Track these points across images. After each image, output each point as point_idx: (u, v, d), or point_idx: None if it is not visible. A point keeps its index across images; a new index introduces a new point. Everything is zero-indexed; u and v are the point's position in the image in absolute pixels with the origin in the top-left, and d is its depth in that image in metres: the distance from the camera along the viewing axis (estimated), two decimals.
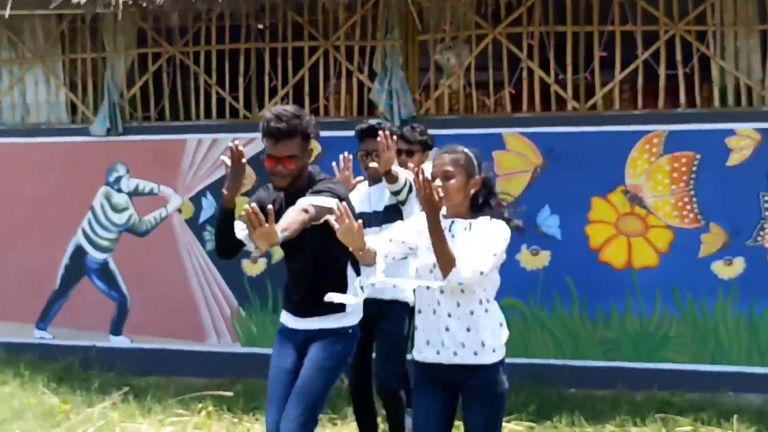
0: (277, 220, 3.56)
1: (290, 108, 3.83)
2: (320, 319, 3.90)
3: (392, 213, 4.80)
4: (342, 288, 3.86)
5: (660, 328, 6.34)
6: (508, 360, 3.61)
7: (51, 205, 7.51)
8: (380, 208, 4.84)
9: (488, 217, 3.58)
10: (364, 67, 7.00)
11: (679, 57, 6.41)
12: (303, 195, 3.78)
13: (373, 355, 4.90)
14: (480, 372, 3.51)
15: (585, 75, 6.59)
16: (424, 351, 3.61)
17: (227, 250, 3.94)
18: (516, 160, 6.54)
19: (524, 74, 6.66)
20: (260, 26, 7.23)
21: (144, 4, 6.79)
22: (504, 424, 4.01)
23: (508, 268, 3.87)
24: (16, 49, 7.73)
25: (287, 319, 4.02)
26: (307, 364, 3.87)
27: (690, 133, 6.31)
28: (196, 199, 7.20)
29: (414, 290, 3.74)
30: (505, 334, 3.59)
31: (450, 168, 3.57)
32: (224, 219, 3.82)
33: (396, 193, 4.70)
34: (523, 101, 6.68)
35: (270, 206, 3.40)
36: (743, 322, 6.20)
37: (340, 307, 3.84)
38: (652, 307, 6.33)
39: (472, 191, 3.60)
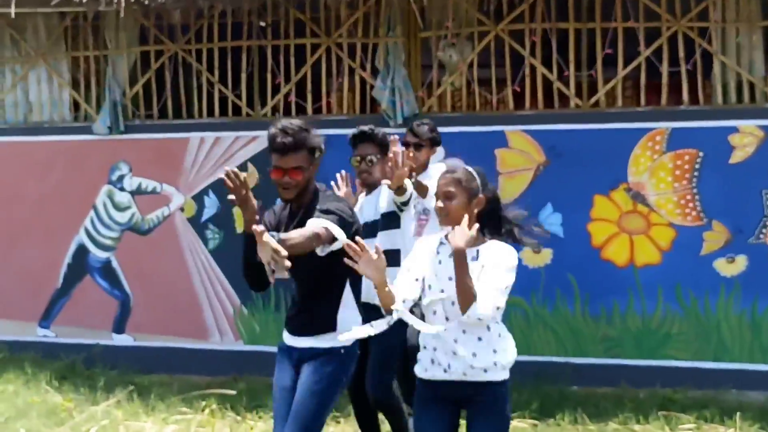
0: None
1: (296, 121, 3.80)
2: (312, 338, 3.86)
3: (390, 220, 4.82)
4: (334, 308, 3.84)
5: (662, 325, 6.33)
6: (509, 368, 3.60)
7: (53, 204, 7.52)
8: (376, 216, 4.86)
9: (495, 242, 3.56)
10: (367, 65, 7.00)
11: (681, 54, 6.41)
12: (309, 212, 3.77)
13: None
14: (487, 389, 3.50)
15: (590, 72, 6.58)
16: (430, 369, 3.59)
17: (258, 281, 3.84)
18: (519, 158, 6.54)
19: (527, 71, 6.66)
20: (262, 23, 7.24)
21: (146, 2, 6.79)
22: None
23: None
24: (18, 48, 7.74)
25: (285, 335, 4.02)
26: (299, 388, 3.84)
27: (693, 130, 6.31)
28: (198, 198, 7.20)
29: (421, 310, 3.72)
30: (513, 354, 3.57)
31: (451, 188, 3.55)
32: (247, 246, 3.69)
33: (404, 204, 4.74)
34: (525, 98, 6.68)
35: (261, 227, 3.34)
36: (746, 320, 6.19)
37: (332, 327, 3.82)
38: (655, 305, 6.33)
39: (476, 210, 3.57)
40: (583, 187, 6.42)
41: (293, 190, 3.80)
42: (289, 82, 7.11)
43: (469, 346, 3.48)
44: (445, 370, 3.52)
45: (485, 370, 3.48)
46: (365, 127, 4.92)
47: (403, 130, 6.04)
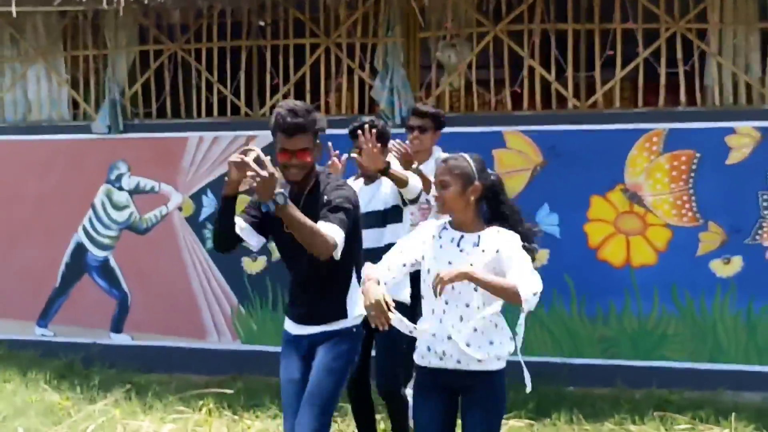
0: (275, 225, 3.74)
1: (300, 103, 3.84)
2: (322, 325, 3.92)
3: (396, 214, 4.89)
4: (344, 295, 3.90)
5: (658, 326, 6.35)
6: (507, 358, 3.62)
7: (52, 203, 7.53)
8: (379, 207, 4.89)
9: (496, 229, 3.58)
10: (366, 65, 7.01)
11: (680, 55, 6.42)
12: (311, 197, 3.83)
13: (373, 352, 4.92)
14: (482, 378, 3.53)
15: (591, 73, 6.58)
16: (426, 356, 3.63)
17: (225, 242, 3.92)
18: (516, 158, 6.55)
19: (525, 72, 6.67)
20: (261, 23, 7.25)
21: (146, 1, 6.81)
22: (504, 421, 4.02)
23: None
24: (18, 46, 7.74)
25: (290, 325, 4.03)
26: (315, 367, 3.87)
27: (690, 131, 6.32)
28: (196, 197, 7.21)
29: (420, 298, 3.75)
30: (510, 346, 3.59)
31: (446, 177, 3.58)
32: (225, 208, 3.78)
33: (413, 201, 4.81)
34: (523, 99, 6.69)
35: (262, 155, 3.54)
36: (741, 321, 6.21)
37: (342, 314, 3.89)
38: (651, 306, 6.35)
39: (472, 198, 3.59)
40: (580, 188, 6.43)
41: (300, 171, 3.82)
42: (288, 82, 7.12)
43: (465, 334, 3.51)
44: (440, 358, 3.56)
45: (479, 360, 3.51)
46: (365, 119, 4.94)
47: (402, 130, 6.09)
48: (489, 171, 3.67)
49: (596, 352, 6.44)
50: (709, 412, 5.69)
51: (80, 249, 7.49)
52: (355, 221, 3.86)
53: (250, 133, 7.01)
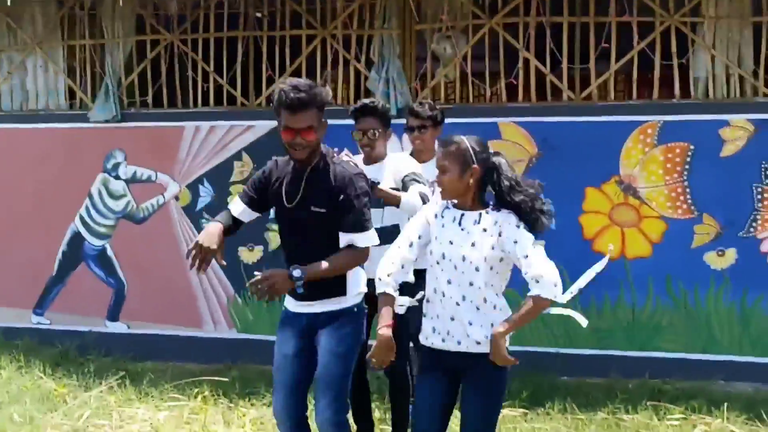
0: (282, 195, 3.83)
1: (303, 80, 3.81)
2: (322, 302, 3.92)
3: None
4: (342, 276, 3.91)
5: (652, 317, 6.39)
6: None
7: (49, 191, 7.54)
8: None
9: (497, 211, 3.59)
10: (361, 56, 7.02)
11: (674, 48, 6.45)
12: (313, 174, 3.84)
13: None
14: (482, 361, 3.56)
15: (586, 66, 6.59)
16: (430, 337, 3.66)
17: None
18: (511, 150, 6.56)
19: (520, 64, 6.70)
20: (258, 14, 7.26)
21: None
22: None
23: None
24: (15, 36, 7.74)
25: (289, 302, 4.04)
26: (321, 353, 3.89)
27: (684, 123, 6.35)
28: (193, 187, 7.23)
29: (424, 277, 3.78)
30: None
31: (444, 162, 3.60)
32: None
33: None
34: (519, 91, 6.72)
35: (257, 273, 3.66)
36: (735, 312, 6.25)
37: (341, 291, 3.91)
38: (645, 297, 6.38)
39: (471, 181, 3.60)
40: (574, 180, 6.45)
41: (305, 150, 3.80)
42: (284, 73, 7.13)
43: (467, 314, 3.55)
44: (443, 339, 3.60)
45: (478, 343, 3.54)
46: (367, 100, 4.96)
47: (399, 120, 6.10)
48: (491, 152, 3.67)
49: (590, 342, 6.47)
50: (701, 402, 5.73)
51: (77, 238, 7.50)
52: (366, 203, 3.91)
53: (246, 123, 7.03)
